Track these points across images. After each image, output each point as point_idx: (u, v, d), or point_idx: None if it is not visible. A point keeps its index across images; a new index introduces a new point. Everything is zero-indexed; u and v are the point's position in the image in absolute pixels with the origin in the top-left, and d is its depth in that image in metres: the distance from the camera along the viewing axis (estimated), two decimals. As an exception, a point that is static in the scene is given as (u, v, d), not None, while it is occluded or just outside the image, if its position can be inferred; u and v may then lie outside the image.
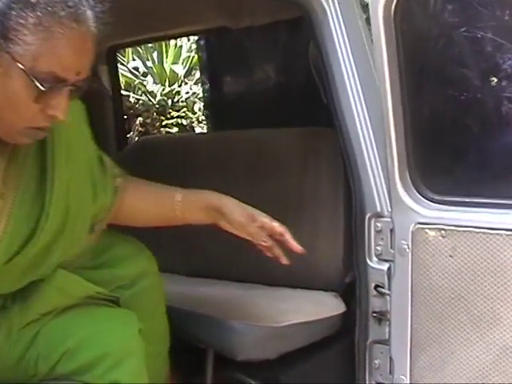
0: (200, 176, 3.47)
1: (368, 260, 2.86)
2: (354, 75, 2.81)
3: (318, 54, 2.85)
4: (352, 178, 2.86)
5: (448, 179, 2.72)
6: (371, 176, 2.82)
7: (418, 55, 2.64)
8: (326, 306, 2.99)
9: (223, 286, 3.25)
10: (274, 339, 2.76)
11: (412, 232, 2.68)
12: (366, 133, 2.82)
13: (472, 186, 2.65)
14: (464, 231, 2.56)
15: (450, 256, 2.59)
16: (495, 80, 2.65)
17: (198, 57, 3.84)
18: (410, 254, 2.70)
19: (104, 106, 4.17)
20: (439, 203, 2.66)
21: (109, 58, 4.11)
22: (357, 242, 2.89)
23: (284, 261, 2.34)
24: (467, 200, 2.61)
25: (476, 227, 2.54)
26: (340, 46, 2.80)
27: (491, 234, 2.50)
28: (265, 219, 2.33)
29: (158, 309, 2.52)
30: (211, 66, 3.78)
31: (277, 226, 2.33)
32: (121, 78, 6.85)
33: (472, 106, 2.70)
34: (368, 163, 2.82)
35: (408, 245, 2.70)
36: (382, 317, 2.85)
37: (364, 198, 2.84)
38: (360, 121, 2.80)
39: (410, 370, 2.77)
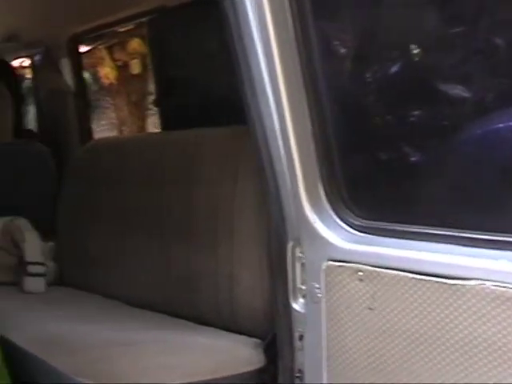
0: (131, 180, 2.74)
1: (292, 302, 1.90)
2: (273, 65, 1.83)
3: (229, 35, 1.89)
4: (269, 194, 1.90)
5: (379, 198, 1.74)
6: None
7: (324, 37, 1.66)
8: (235, 359, 2.05)
9: (132, 323, 2.36)
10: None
11: (324, 271, 1.72)
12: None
13: (411, 209, 1.68)
14: (387, 275, 1.58)
15: (369, 309, 1.62)
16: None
17: (148, 46, 2.97)
18: (323, 302, 1.73)
19: (67, 102, 3.34)
20: (362, 231, 1.68)
21: (69, 49, 3.26)
22: (275, 278, 1.95)
23: None
24: (400, 228, 1.63)
25: (403, 270, 1.56)
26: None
27: (421, 280, 1.52)
28: None
29: None
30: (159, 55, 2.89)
31: None
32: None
33: (413, 100, 1.71)
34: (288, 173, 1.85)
35: (320, 289, 1.73)
36: (307, 378, 1.89)
37: (285, 220, 1.87)
38: (280, 120, 1.82)
39: None
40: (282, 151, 1.80)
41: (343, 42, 1.66)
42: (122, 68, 7.89)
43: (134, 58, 7.28)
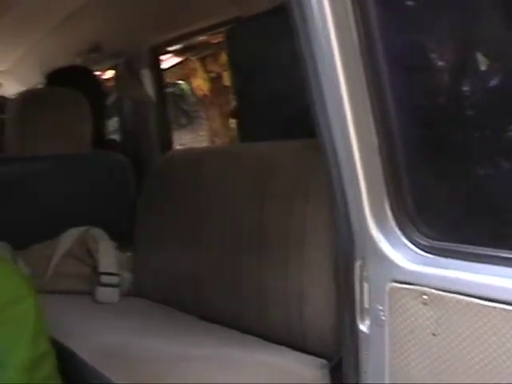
0: (204, 192, 2.70)
1: (359, 323, 1.82)
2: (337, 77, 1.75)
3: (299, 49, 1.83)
4: (337, 210, 1.83)
5: (448, 217, 1.66)
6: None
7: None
8: (298, 380, 2.00)
9: (200, 338, 2.32)
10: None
11: (388, 293, 1.64)
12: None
13: (482, 230, 1.58)
14: (452, 299, 1.50)
15: (433, 334, 1.54)
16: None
17: (227, 57, 2.94)
18: (386, 326, 1.66)
19: (148, 113, 3.34)
20: (429, 252, 1.60)
21: (150, 60, 3.27)
22: (342, 298, 1.88)
23: None
24: (469, 250, 1.54)
25: (470, 295, 1.47)
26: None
27: (488, 306, 1.43)
28: None
29: None
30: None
31: None
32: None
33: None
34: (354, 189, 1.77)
35: (384, 312, 1.66)
36: (373, 406, 1.81)
37: (353, 239, 1.80)
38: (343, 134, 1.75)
39: None
40: (348, 167, 1.74)
41: (410, 52, 1.58)
42: (215, 79, 7.94)
43: (226, 70, 7.31)
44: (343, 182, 1.75)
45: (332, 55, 1.61)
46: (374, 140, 1.63)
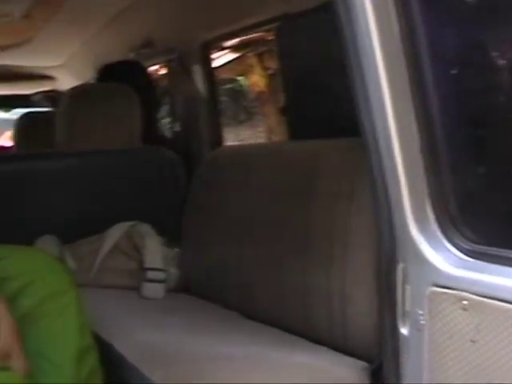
0: (250, 190, 2.69)
1: (400, 326, 1.78)
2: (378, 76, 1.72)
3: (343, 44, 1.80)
4: (380, 211, 1.79)
5: (493, 220, 1.61)
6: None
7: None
8: (336, 381, 1.96)
9: (243, 336, 2.31)
10: None
11: (428, 297, 1.60)
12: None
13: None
14: (493, 305, 1.45)
15: (472, 341, 1.49)
16: None
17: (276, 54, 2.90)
18: (426, 330, 1.62)
19: (197, 108, 3.34)
20: (471, 256, 1.56)
21: (202, 56, 3.26)
22: (383, 300, 1.84)
23: None
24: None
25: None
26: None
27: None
28: None
29: None
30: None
31: None
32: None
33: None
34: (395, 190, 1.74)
35: (423, 316, 1.62)
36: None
37: (396, 240, 1.76)
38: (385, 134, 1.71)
39: None
40: (390, 166, 1.70)
41: (452, 50, 1.54)
42: (272, 76, 7.90)
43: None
44: (386, 181, 1.71)
45: (374, 54, 1.58)
46: (416, 139, 1.59)
